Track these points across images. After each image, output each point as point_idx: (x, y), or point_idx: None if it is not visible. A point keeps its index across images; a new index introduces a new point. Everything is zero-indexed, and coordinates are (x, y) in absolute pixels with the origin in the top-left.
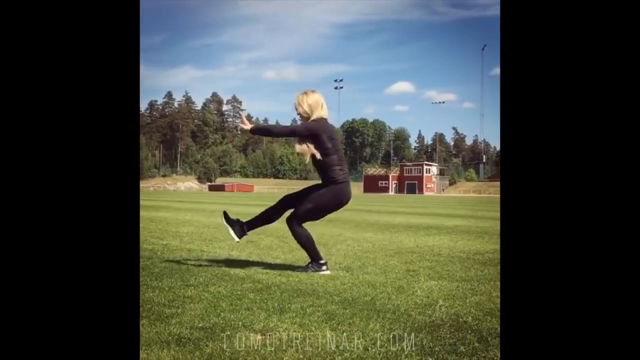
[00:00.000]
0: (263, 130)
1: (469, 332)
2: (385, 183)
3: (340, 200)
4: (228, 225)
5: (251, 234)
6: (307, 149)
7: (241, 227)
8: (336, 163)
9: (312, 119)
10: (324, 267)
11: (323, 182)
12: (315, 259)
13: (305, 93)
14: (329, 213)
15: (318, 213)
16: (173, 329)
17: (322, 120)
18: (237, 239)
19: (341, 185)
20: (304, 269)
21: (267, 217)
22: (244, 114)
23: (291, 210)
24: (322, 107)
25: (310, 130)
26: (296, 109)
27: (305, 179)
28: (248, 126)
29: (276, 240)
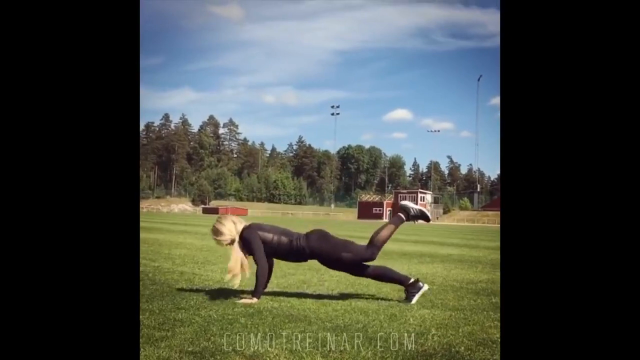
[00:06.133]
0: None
1: None
2: (380, 210)
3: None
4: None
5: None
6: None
7: None
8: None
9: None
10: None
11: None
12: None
13: (220, 222)
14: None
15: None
16: (162, 352)
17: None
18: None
19: None
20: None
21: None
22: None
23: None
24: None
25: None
26: (221, 240)
27: (300, 203)
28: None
29: None
